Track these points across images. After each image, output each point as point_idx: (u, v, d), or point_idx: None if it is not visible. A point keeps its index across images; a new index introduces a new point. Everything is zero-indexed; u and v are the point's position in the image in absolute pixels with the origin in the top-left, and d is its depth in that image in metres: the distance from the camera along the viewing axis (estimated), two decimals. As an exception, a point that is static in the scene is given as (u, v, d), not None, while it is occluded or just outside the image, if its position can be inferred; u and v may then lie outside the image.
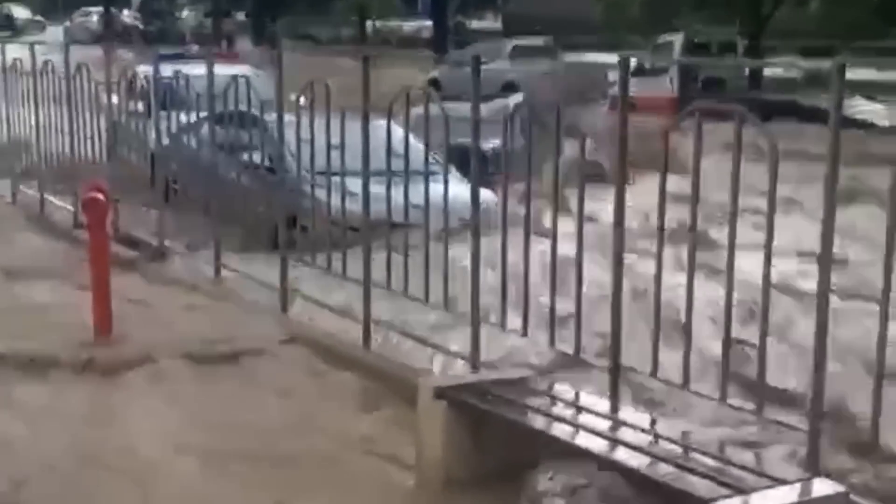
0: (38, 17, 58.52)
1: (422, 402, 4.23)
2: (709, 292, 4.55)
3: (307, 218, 6.51)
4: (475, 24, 48.75)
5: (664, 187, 4.17)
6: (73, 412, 5.02)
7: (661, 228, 4.17)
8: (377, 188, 5.67)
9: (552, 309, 4.75)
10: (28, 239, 8.74)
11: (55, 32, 53.29)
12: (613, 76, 22.92)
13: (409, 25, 50.15)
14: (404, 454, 4.41)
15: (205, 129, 7.61)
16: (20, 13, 56.46)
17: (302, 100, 6.42)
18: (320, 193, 6.24)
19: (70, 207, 8.96)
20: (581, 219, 4.57)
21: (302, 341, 5.87)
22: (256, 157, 7.29)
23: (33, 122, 9.65)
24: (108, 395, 5.27)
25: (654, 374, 4.31)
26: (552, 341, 4.80)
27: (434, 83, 24.41)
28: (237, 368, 5.59)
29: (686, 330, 4.13)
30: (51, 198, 9.54)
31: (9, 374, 5.42)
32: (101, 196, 6.13)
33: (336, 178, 6.10)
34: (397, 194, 5.59)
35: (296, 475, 4.32)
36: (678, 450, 3.71)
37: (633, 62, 4.82)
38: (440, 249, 5.32)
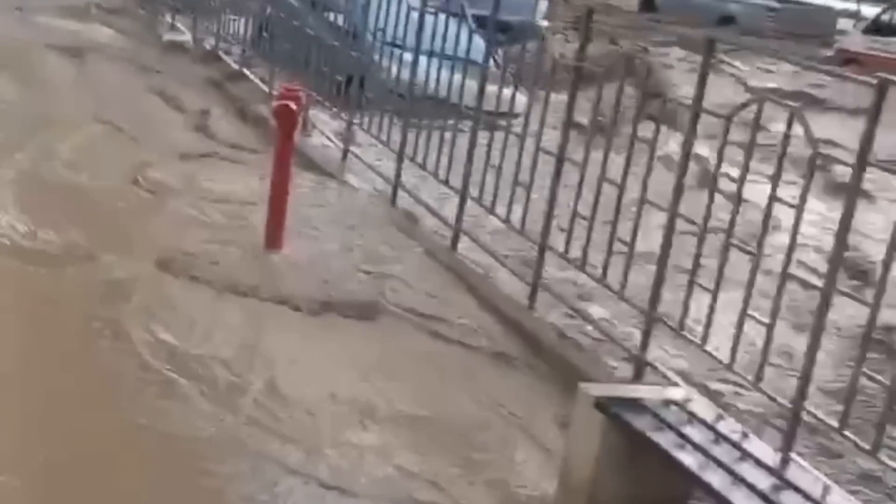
0: None
1: (579, 410, 3.91)
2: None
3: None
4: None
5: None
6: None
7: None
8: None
9: (739, 326, 4.30)
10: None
11: None
12: (846, 27, 21.25)
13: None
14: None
15: None
16: None
17: None
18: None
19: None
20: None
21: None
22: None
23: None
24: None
25: (841, 429, 3.85)
26: (732, 360, 4.37)
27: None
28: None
29: None
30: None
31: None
32: (293, 104, 5.69)
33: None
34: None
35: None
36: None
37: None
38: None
